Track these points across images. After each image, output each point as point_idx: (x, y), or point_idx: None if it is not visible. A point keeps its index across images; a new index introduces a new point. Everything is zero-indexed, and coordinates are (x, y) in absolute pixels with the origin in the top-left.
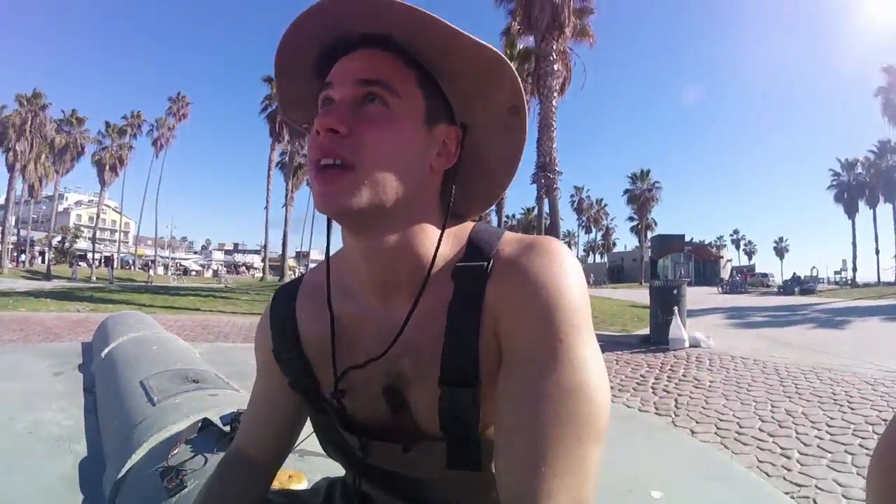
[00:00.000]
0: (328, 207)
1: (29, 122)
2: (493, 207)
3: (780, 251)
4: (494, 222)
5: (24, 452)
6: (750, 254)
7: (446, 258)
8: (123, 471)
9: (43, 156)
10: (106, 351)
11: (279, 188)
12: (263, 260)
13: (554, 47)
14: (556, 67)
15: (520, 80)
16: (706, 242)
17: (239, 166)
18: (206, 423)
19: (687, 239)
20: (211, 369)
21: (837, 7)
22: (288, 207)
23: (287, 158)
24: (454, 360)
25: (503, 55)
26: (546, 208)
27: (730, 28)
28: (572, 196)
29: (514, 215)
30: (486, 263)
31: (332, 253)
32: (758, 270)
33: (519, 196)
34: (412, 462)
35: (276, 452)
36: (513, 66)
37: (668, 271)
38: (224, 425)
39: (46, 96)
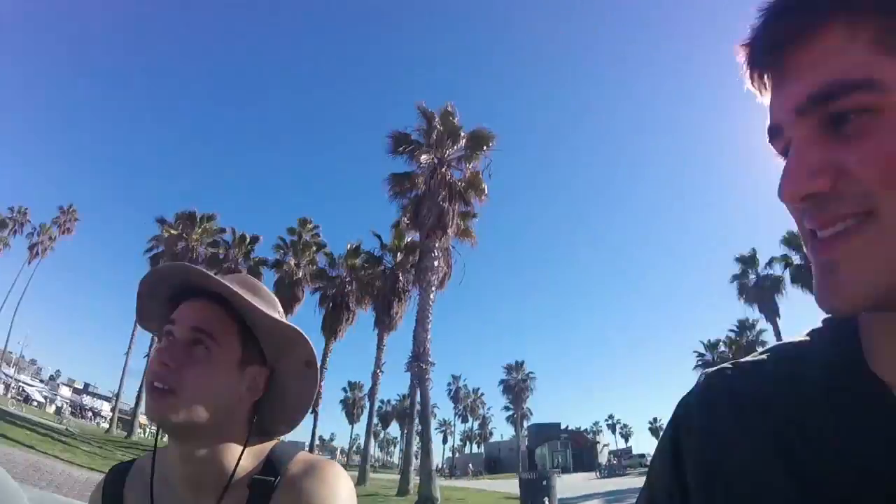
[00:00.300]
0: (153, 418)
1: None
2: (366, 394)
3: (656, 431)
4: (367, 408)
5: None
6: (626, 436)
7: (247, 470)
8: None
9: None
10: None
11: (145, 336)
12: (113, 410)
13: (437, 245)
14: (436, 263)
15: (312, 345)
16: (582, 429)
17: (111, 301)
18: None
19: (563, 426)
20: None
21: (695, 206)
22: (150, 360)
23: None
24: None
25: (299, 329)
26: (420, 397)
27: (597, 229)
28: (449, 384)
29: (389, 401)
30: (274, 479)
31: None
32: (634, 452)
33: (398, 381)
34: None
35: None
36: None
37: (546, 460)
38: None
39: None
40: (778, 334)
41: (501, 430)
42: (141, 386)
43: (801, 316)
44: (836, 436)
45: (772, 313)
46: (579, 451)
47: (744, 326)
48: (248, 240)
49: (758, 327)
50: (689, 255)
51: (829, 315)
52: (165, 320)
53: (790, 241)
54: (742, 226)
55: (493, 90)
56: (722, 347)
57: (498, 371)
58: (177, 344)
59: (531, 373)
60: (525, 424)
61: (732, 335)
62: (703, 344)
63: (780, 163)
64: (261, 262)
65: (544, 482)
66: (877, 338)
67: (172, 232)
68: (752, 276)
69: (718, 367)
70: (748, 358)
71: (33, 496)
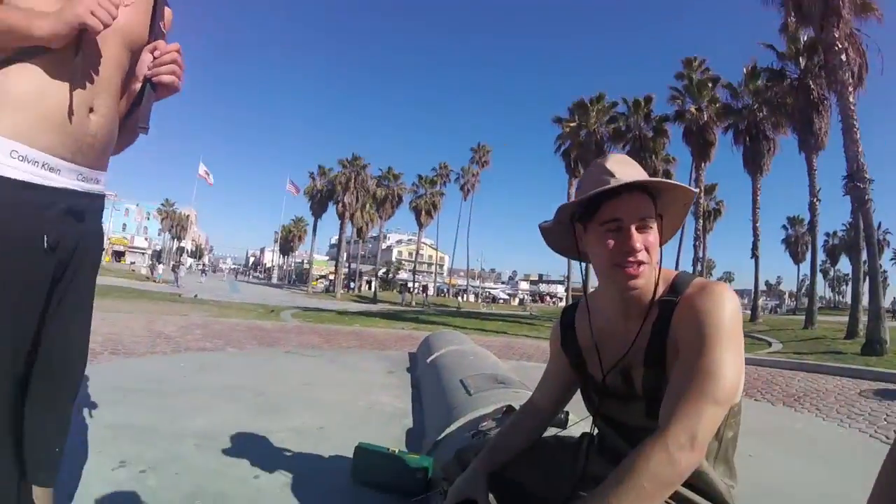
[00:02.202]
0: (638, 286)
1: (352, 180)
2: (807, 228)
3: None
4: (811, 242)
5: (364, 421)
6: None
7: (658, 294)
8: (442, 435)
9: (367, 205)
10: (430, 358)
11: None
12: (566, 290)
13: (836, 35)
14: (843, 58)
15: (686, 186)
16: None
17: (540, 203)
18: (510, 409)
19: None
20: (515, 377)
21: None
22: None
23: None
24: (652, 353)
25: (694, 190)
26: (862, 224)
27: None
28: None
29: (835, 232)
30: (675, 298)
31: (591, 291)
32: None
33: (844, 209)
34: (626, 411)
35: (555, 405)
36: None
37: None
38: None
39: (365, 159)
40: None
41: None
42: (586, 266)
43: None
44: None
45: None
46: None
47: None
48: (642, 103)
49: None
50: None
51: None
52: (570, 232)
53: None
54: None
55: None
56: None
57: None
58: (633, 232)
59: None
60: None
61: None
62: None
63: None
64: (662, 119)
65: None
66: None
67: (571, 125)
68: None
69: None
70: None
71: (509, 366)
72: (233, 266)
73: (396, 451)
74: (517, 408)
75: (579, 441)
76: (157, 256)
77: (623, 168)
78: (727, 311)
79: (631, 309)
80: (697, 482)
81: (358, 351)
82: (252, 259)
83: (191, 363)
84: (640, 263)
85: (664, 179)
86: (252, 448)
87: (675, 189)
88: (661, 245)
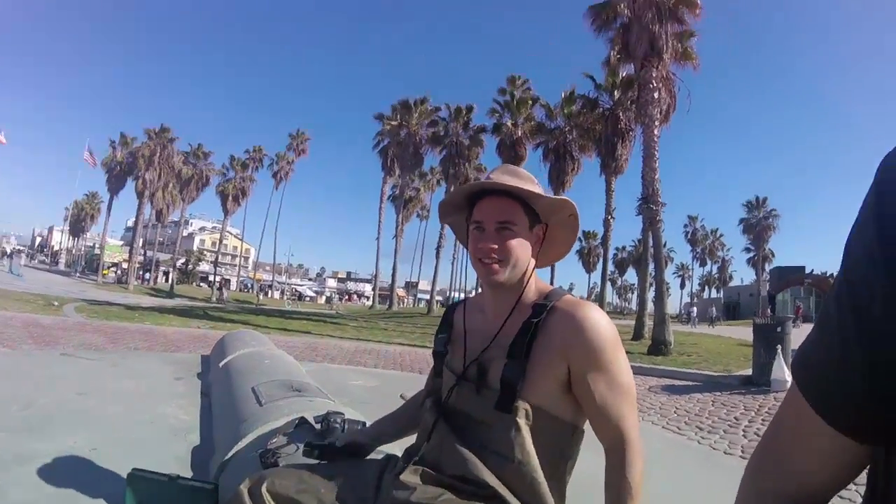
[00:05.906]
0: (488, 282)
1: (157, 154)
2: (600, 241)
3: None
4: (601, 253)
5: (145, 438)
6: None
7: (531, 299)
8: (229, 455)
9: (170, 185)
10: (223, 362)
11: (390, 220)
12: (374, 289)
13: (654, 74)
14: (656, 95)
15: (575, 204)
16: (829, 274)
17: (353, 198)
18: (302, 421)
19: (809, 270)
20: (313, 383)
21: None
22: (398, 239)
23: (398, 192)
24: (517, 346)
25: (565, 198)
26: (652, 240)
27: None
28: (686, 226)
29: (624, 247)
30: (547, 305)
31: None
32: None
33: (632, 226)
34: (476, 401)
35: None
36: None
37: (787, 307)
38: (316, 423)
39: (174, 131)
40: None
41: (742, 274)
42: (395, 264)
43: None
44: None
45: None
46: (825, 298)
47: None
48: (463, 111)
49: None
50: None
51: None
52: (460, 213)
53: None
54: None
55: None
56: None
57: (737, 209)
58: (490, 232)
59: (774, 210)
60: (767, 268)
61: None
62: None
63: None
64: (480, 129)
65: (778, 329)
66: None
67: (392, 124)
68: None
69: None
70: None
71: (310, 368)
72: (18, 247)
73: (177, 476)
74: (310, 419)
75: (384, 461)
76: None
77: (501, 176)
78: (610, 326)
79: (502, 307)
80: (532, 500)
81: (145, 353)
82: (39, 239)
83: None
84: (496, 261)
85: (522, 188)
86: (13, 478)
87: (546, 201)
88: (562, 254)
